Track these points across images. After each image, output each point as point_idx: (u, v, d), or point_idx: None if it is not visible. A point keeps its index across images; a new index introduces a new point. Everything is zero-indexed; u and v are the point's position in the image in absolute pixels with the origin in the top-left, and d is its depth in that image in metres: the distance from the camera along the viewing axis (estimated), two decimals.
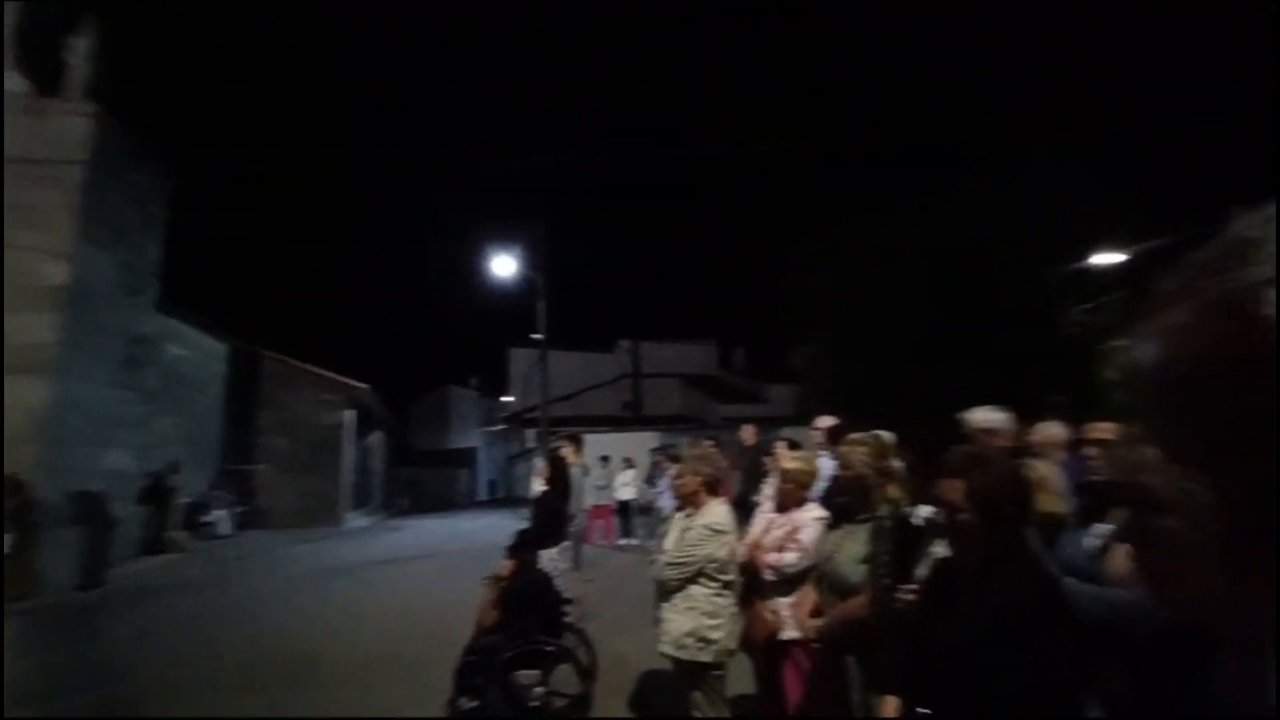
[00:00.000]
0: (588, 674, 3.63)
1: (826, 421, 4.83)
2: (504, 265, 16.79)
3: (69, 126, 10.27)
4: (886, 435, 4.94)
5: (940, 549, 2.04)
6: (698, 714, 2.69)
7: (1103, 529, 2.29)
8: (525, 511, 11.54)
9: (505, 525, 15.02)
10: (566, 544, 5.09)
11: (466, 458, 38.84)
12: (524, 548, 3.85)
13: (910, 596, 1.93)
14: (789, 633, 2.66)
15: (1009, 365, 11.16)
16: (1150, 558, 0.82)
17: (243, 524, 15.67)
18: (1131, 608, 1.85)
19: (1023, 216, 11.42)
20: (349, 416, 18.88)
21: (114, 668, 5.22)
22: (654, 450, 11.53)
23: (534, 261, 16.50)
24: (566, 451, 5.69)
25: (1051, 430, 3.46)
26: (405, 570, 10.09)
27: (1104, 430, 3.38)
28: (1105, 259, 11.85)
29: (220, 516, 14.84)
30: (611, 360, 29.90)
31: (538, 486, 5.54)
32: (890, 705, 1.56)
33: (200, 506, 14.37)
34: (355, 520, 19.04)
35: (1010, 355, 11.18)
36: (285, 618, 6.83)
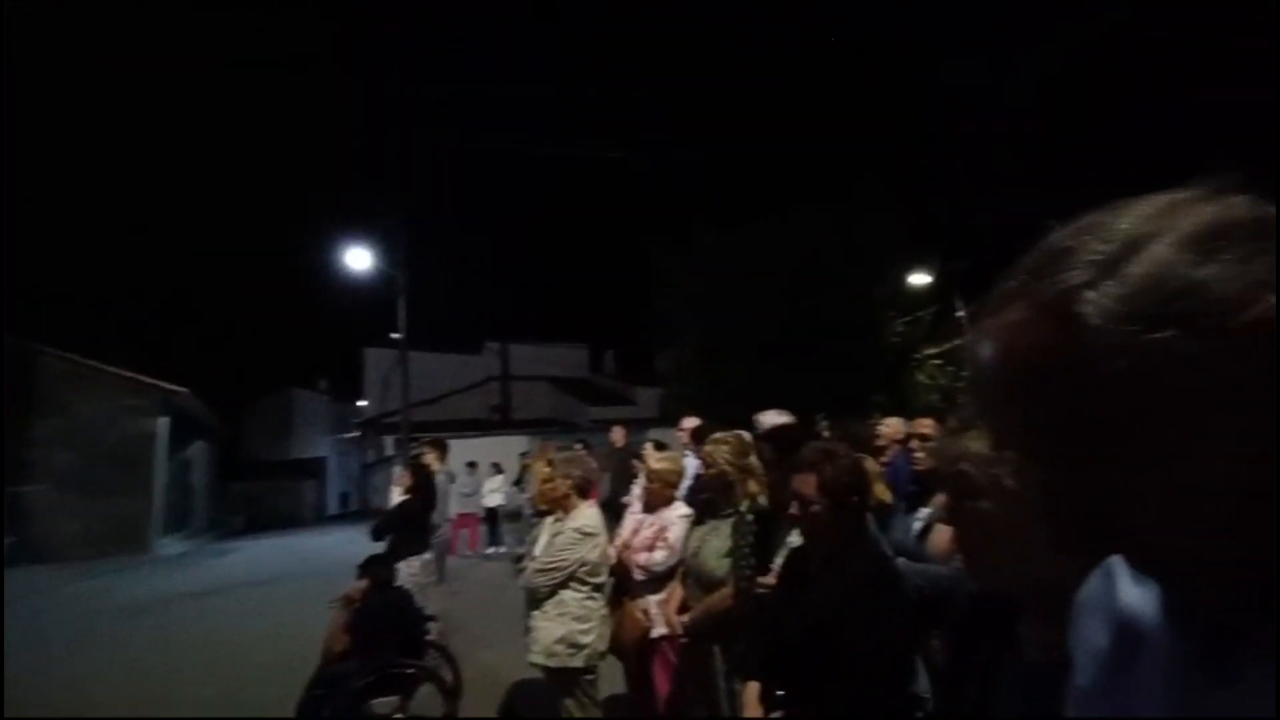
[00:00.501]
0: (452, 693, 3.44)
1: (690, 422, 5.07)
2: (358, 259, 15.54)
3: None
4: (746, 435, 5.29)
5: (795, 539, 2.22)
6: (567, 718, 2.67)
7: (924, 513, 2.64)
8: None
9: (359, 542, 13.79)
10: (429, 556, 4.79)
11: (314, 468, 35.21)
12: (378, 563, 3.56)
13: (768, 582, 2.06)
14: (659, 630, 2.72)
15: (844, 369, 12.53)
16: (967, 536, 0.95)
17: (12, 558, 12.83)
18: (949, 580, 2.14)
19: (857, 240, 12.91)
20: (161, 425, 16.25)
21: None
22: (523, 455, 11.29)
23: (394, 257, 15.47)
24: (430, 458, 5.37)
25: (892, 425, 3.93)
26: (231, 600, 8.87)
27: (925, 426, 3.90)
28: (918, 279, 13.83)
29: None
30: (478, 362, 28.87)
31: (398, 496, 5.15)
32: (751, 691, 1.65)
33: None
34: (170, 546, 16.41)
35: (845, 361, 12.55)
36: (70, 672, 5.68)
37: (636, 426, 13.59)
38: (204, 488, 22.62)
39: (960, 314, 13.84)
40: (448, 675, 3.54)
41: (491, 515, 10.88)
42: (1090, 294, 0.37)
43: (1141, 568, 0.46)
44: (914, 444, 3.71)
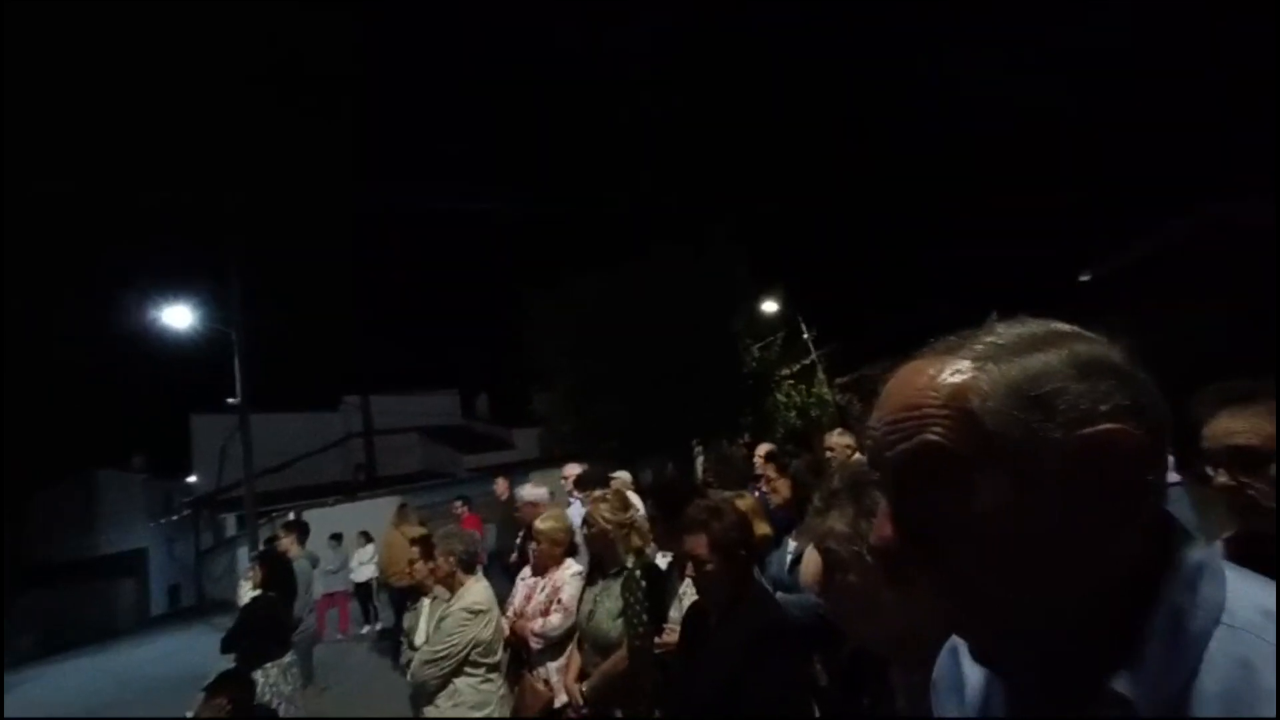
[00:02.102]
0: None
1: (573, 470, 5.03)
2: (178, 316, 13.69)
3: None
4: (623, 477, 5.35)
5: (687, 590, 2.27)
6: None
7: (793, 545, 2.83)
8: (227, 620, 9.27)
9: (198, 646, 11.81)
10: (289, 659, 4.22)
11: (131, 562, 29.63)
12: (232, 682, 3.07)
13: (668, 640, 2.08)
14: (561, 699, 2.62)
15: (711, 398, 13.30)
16: (838, 605, 1.06)
17: None
18: (819, 608, 2.31)
19: (710, 275, 13.89)
20: None
21: None
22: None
23: (225, 313, 13.82)
24: (287, 543, 4.79)
25: (760, 453, 4.19)
26: None
27: (762, 452, 4.13)
28: (769, 306, 15.19)
29: None
30: (335, 419, 26.50)
31: (247, 593, 4.51)
32: None
33: None
34: None
35: (711, 389, 13.32)
36: None
37: (517, 469, 13.22)
38: None
39: (806, 335, 15.31)
40: None
41: (363, 590, 9.89)
42: (990, 367, 0.48)
43: (959, 631, 0.55)
44: (765, 477, 3.78)
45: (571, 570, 2.89)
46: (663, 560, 2.83)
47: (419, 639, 2.72)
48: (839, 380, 15.63)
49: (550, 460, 14.47)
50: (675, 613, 2.20)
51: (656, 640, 2.08)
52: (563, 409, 14.63)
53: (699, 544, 1.58)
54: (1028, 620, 0.47)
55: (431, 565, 2.84)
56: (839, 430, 3.47)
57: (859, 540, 0.92)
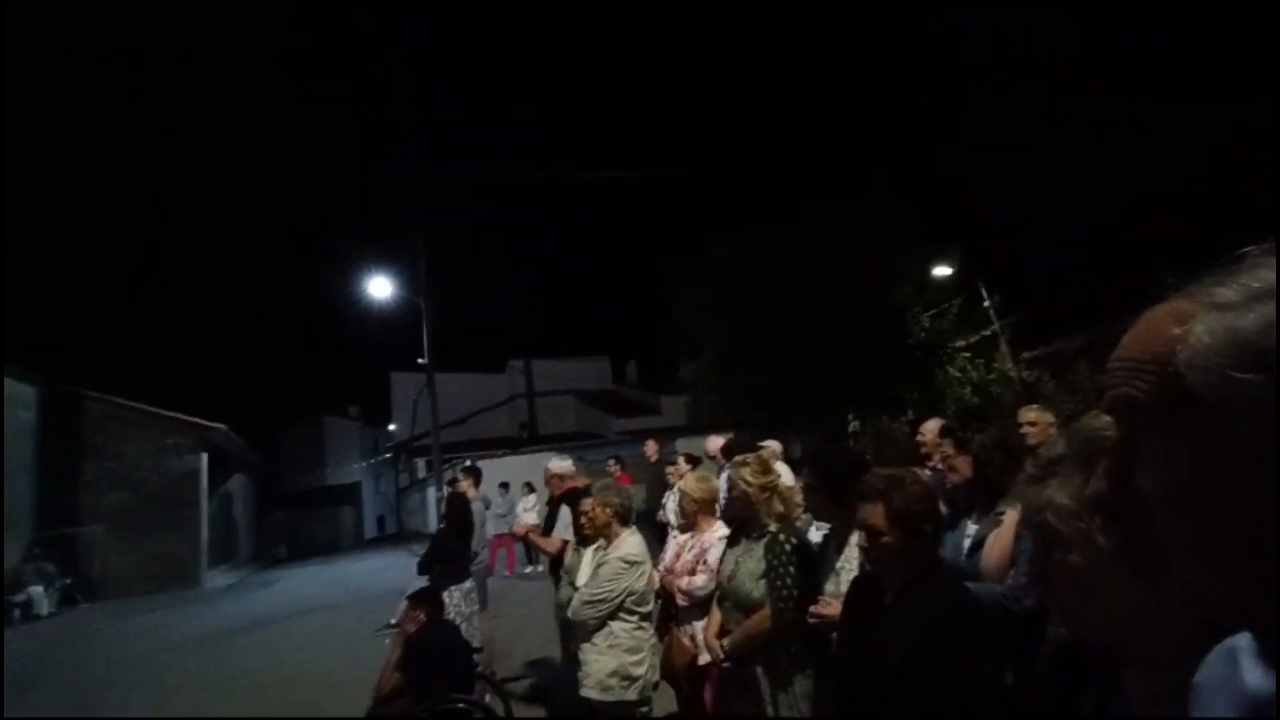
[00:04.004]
0: None
1: (716, 442, 5.01)
2: (380, 287, 15.84)
3: None
4: (773, 446, 5.20)
5: (846, 564, 2.15)
6: None
7: (972, 528, 2.53)
8: (421, 547, 10.79)
9: (399, 566, 13.97)
10: (469, 585, 4.78)
11: (350, 494, 35.77)
12: (428, 598, 3.56)
13: (825, 612, 1.99)
14: (705, 656, 2.66)
15: (871, 369, 12.32)
16: (1057, 588, 0.89)
17: (67, 599, 13.25)
18: (1008, 600, 2.04)
19: (872, 237, 12.72)
20: (202, 461, 16.68)
21: None
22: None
23: (415, 283, 15.72)
24: (464, 486, 5.39)
25: (933, 429, 3.80)
26: (279, 632, 9.01)
27: (931, 429, 3.72)
28: (942, 271, 13.57)
29: (35, 594, 12.43)
30: (503, 380, 29.12)
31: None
32: None
33: (9, 585, 11.96)
34: (218, 578, 16.80)
35: (871, 359, 12.34)
36: (130, 711, 5.80)
37: (665, 436, 13.51)
38: (246, 520, 23.15)
39: (986, 303, 13.52)
40: (498, 708, 3.52)
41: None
42: (1202, 327, 0.42)
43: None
44: (939, 453, 3.49)
45: (719, 533, 2.89)
46: (817, 533, 2.72)
47: (580, 580, 2.91)
48: (1026, 354, 13.66)
49: (696, 428, 14.62)
50: (832, 586, 2.10)
51: (812, 610, 1.99)
52: (710, 378, 14.62)
53: (875, 514, 1.46)
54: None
55: (590, 516, 3.00)
56: (1035, 406, 3.00)
57: (1086, 516, 0.75)
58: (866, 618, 1.52)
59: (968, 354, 13.50)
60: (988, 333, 13.59)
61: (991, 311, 13.56)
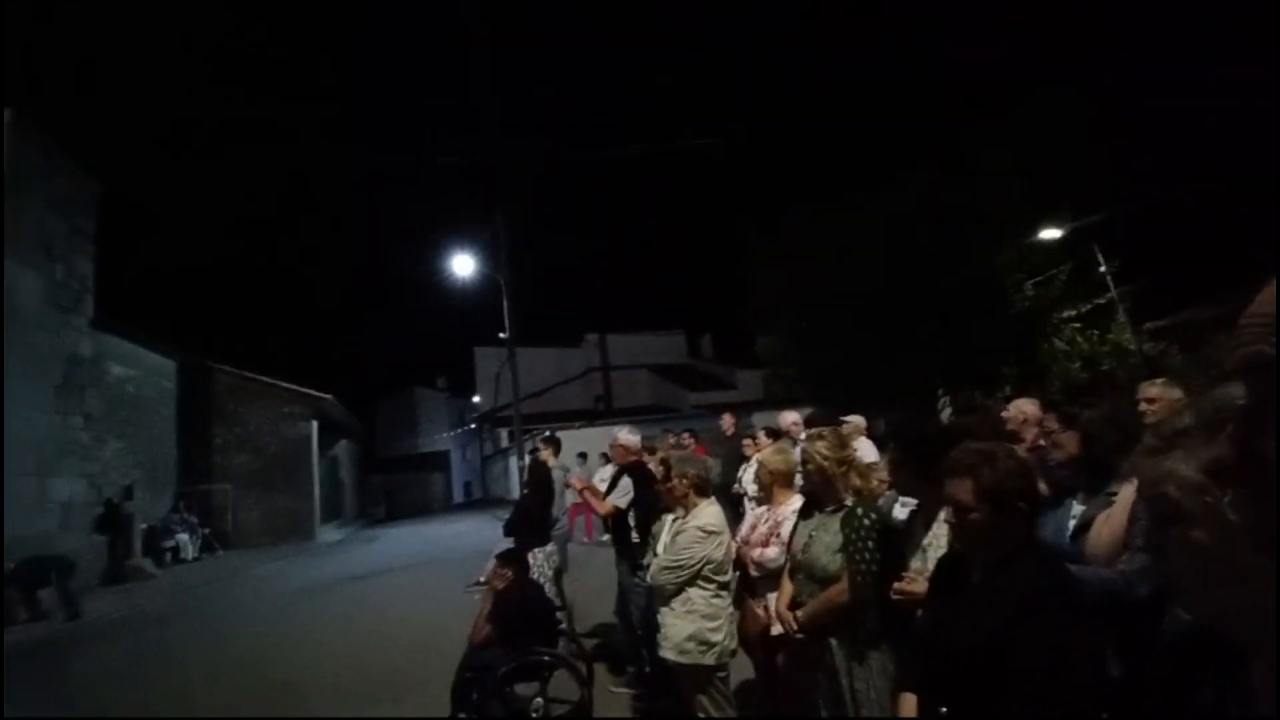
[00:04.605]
0: (585, 681, 3.60)
1: (790, 416, 4.91)
2: (463, 265, 16.51)
3: None
4: (855, 421, 5.03)
5: (934, 541, 2.08)
6: (702, 715, 2.69)
7: (1078, 509, 2.36)
8: (504, 513, 11.38)
9: (485, 530, 14.85)
10: (551, 548, 5.02)
11: (439, 461, 38.16)
12: (514, 557, 3.78)
13: (910, 589, 1.95)
14: (777, 628, 2.68)
15: (963, 342, 11.54)
16: (1176, 566, 0.82)
17: (207, 547, 15.08)
18: (1118, 585, 1.90)
19: (969, 198, 11.76)
20: (313, 427, 18.30)
21: (93, 708, 4.96)
22: None
23: (495, 261, 16.26)
24: (545, 455, 5.61)
25: (1025, 406, 3.56)
26: (386, 584, 9.85)
27: (1024, 408, 3.45)
28: (1049, 234, 12.34)
29: (183, 540, 14.24)
30: (579, 355, 29.74)
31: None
32: (909, 704, 1.57)
33: (161, 532, 13.77)
34: (328, 534, 18.53)
35: (963, 332, 11.55)
36: (263, 643, 6.59)
37: (740, 410, 13.40)
38: (350, 482, 25.25)
39: (1103, 269, 12.26)
40: (580, 664, 3.71)
41: None
42: None
43: None
44: (1044, 426, 3.27)
45: (794, 506, 2.88)
46: (902, 509, 2.65)
47: (660, 547, 2.99)
48: (1150, 325, 12.31)
49: (773, 403, 14.36)
50: (918, 563, 2.04)
51: (896, 587, 1.95)
52: (787, 352, 14.28)
53: (963, 489, 1.40)
54: None
55: (669, 486, 3.06)
56: (1160, 380, 2.72)
57: (1213, 490, 0.68)
58: (953, 596, 1.48)
59: (1077, 324, 12.35)
60: (1102, 301, 12.36)
61: (1108, 278, 12.28)
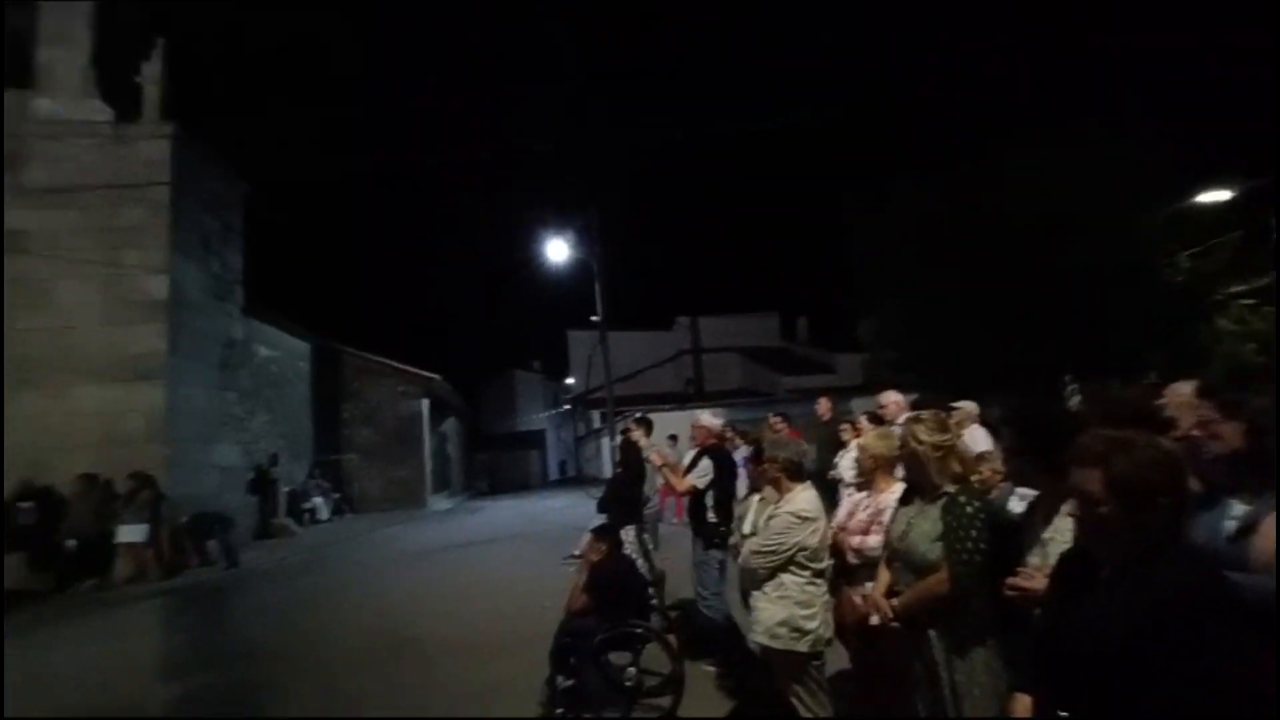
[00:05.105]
0: (676, 655, 3.68)
1: (890, 397, 4.64)
2: (557, 250, 16.99)
3: (151, 149, 10.97)
4: (967, 406, 4.68)
5: (1055, 535, 1.92)
6: (797, 704, 2.67)
7: (1240, 509, 2.07)
8: (597, 491, 11.75)
9: (578, 506, 15.43)
10: (643, 526, 5.14)
11: (536, 439, 39.98)
12: (608, 532, 3.92)
13: (1027, 585, 1.82)
14: (875, 617, 2.59)
15: (1097, 324, 10.35)
16: None
17: (338, 510, 16.83)
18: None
19: (1105, 158, 10.42)
20: (424, 405, 19.78)
21: (245, 645, 5.76)
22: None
23: (588, 245, 16.60)
24: (637, 435, 5.71)
25: (1183, 390, 3.15)
26: (489, 552, 10.54)
27: (1185, 391, 3.01)
28: (1212, 198, 10.70)
29: (318, 503, 15.99)
30: (670, 338, 29.83)
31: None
32: (1022, 704, 1.48)
33: (300, 495, 15.52)
34: (438, 503, 20.06)
35: (1098, 313, 10.35)
36: (385, 598, 7.30)
37: (838, 395, 12.91)
38: (457, 457, 27.07)
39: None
40: (671, 638, 3.79)
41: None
42: None
43: None
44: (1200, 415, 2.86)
45: (897, 493, 2.76)
46: (1019, 501, 2.47)
47: (745, 527, 2.98)
48: None
49: (874, 388, 13.67)
50: (1037, 559, 1.90)
51: (1011, 582, 1.83)
52: (891, 335, 13.51)
53: (1091, 480, 1.28)
54: None
55: (762, 469, 3.04)
56: None
57: None
58: (1078, 595, 1.36)
59: (1248, 301, 10.68)
60: None
61: None
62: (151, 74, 11.23)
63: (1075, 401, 10.60)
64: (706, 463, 4.34)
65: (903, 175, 12.76)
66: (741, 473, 6.92)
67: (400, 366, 19.78)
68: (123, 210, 10.66)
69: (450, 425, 25.59)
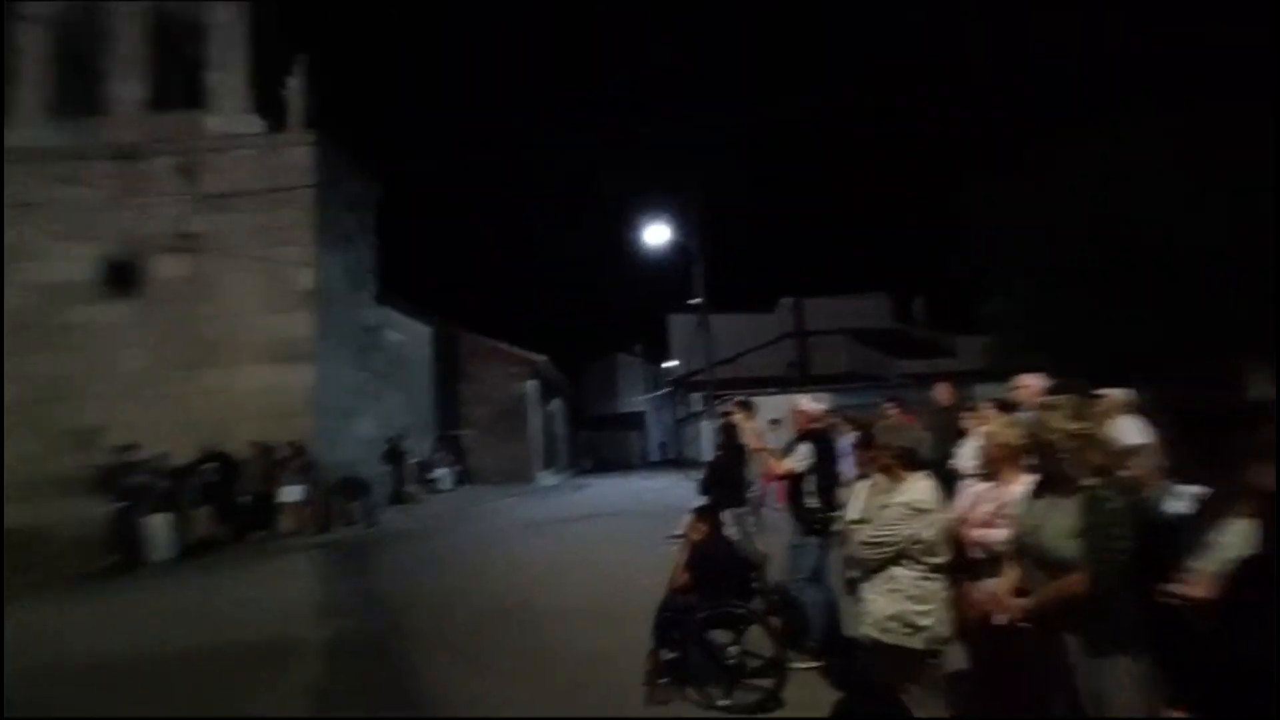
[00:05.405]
0: (779, 638, 3.65)
1: (1029, 380, 4.21)
2: (657, 234, 17.05)
3: (297, 155, 12.33)
4: (1118, 395, 4.17)
5: (1226, 538, 1.68)
6: (910, 702, 2.56)
7: None
8: (696, 473, 11.80)
9: (678, 487, 15.62)
10: (744, 510, 5.11)
11: (637, 421, 40.80)
12: (710, 512, 3.95)
13: (1191, 592, 1.62)
14: (1000, 616, 2.42)
15: (1258, 303, 8.78)
16: None
17: (459, 481, 18.28)
18: None
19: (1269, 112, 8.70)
20: (532, 386, 20.84)
21: (384, 597, 6.48)
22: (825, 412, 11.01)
23: (688, 228, 16.52)
24: (738, 418, 5.66)
25: None
26: (593, 527, 10.98)
27: None
28: None
29: (442, 474, 17.45)
30: (773, 320, 29.05)
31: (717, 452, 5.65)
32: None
33: (426, 466, 17.02)
34: (545, 479, 21.15)
35: (1260, 291, 8.76)
36: (499, 565, 7.88)
37: (959, 380, 11.99)
38: (562, 435, 28.33)
39: None
40: (774, 620, 3.77)
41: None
42: None
43: None
44: None
45: (1026, 485, 2.55)
46: (1177, 500, 2.21)
47: (851, 514, 2.88)
48: None
49: (1000, 373, 12.51)
50: (1205, 563, 1.68)
51: (1171, 588, 1.64)
52: (1018, 315, 12.30)
53: (1268, 475, 1.12)
54: None
55: (871, 455, 2.91)
56: None
57: None
58: (1256, 607, 1.20)
59: None
60: None
61: None
62: (295, 87, 12.54)
63: (1261, 389, 9.09)
64: (806, 447, 4.27)
65: (1033, 140, 11.46)
66: (848, 459, 6.69)
67: (510, 349, 20.94)
68: (277, 211, 12.09)
69: (556, 405, 26.76)
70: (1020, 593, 2.25)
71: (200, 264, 11.93)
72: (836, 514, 4.29)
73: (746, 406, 6.19)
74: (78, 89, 12.73)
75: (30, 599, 6.92)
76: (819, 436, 4.38)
